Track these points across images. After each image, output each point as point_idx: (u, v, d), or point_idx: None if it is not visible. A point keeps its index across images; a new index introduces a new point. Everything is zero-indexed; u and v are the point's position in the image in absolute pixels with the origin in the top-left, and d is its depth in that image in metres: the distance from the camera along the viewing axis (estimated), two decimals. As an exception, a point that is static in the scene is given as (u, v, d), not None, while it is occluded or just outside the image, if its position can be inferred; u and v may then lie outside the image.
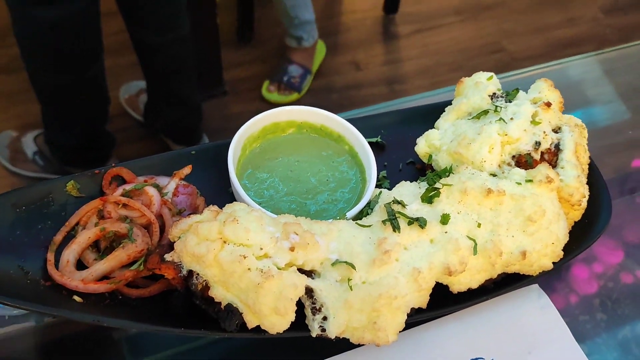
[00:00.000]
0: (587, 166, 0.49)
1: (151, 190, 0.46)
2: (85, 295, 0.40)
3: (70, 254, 0.42)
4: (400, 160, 0.56)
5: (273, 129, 0.53)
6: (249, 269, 0.36)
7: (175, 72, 1.33)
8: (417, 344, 0.42)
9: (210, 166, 0.51)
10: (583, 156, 0.48)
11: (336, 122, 0.53)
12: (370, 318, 0.36)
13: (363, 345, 0.42)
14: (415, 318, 0.41)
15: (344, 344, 0.40)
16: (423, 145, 0.52)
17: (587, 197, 0.46)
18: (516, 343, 0.43)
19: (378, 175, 0.51)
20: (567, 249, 0.45)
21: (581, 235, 0.48)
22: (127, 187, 0.46)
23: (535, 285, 0.47)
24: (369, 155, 0.51)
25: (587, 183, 0.47)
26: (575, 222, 0.48)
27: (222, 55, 1.60)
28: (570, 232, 0.46)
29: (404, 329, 0.42)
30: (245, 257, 0.36)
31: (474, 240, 0.40)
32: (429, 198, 0.43)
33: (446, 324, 0.44)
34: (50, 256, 0.41)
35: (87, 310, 0.39)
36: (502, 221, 0.41)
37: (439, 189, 0.43)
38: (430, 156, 0.51)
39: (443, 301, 0.43)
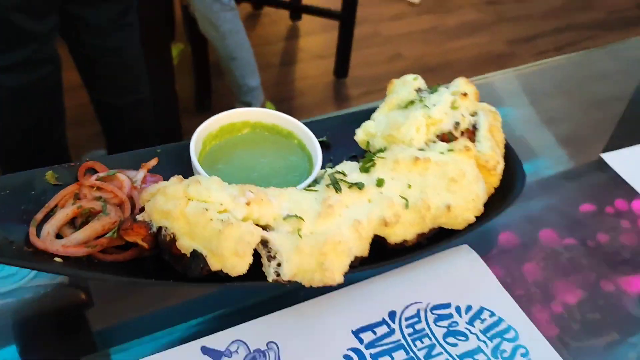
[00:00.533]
0: (503, 145, 0.57)
1: (122, 176, 0.51)
2: (64, 258, 0.45)
3: (50, 227, 0.46)
4: (344, 155, 0.63)
5: (230, 128, 0.60)
6: (211, 219, 0.41)
7: (136, 134, 1.39)
8: (363, 294, 0.48)
9: (174, 162, 0.57)
10: (497, 135, 0.56)
11: (286, 121, 0.61)
12: (318, 261, 0.42)
13: (315, 298, 0.47)
14: (360, 269, 0.46)
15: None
16: (361, 134, 0.60)
17: (501, 165, 0.54)
18: (449, 290, 0.49)
19: (324, 166, 0.58)
20: (488, 210, 0.52)
21: (501, 199, 0.55)
22: (101, 174, 0.51)
23: (465, 245, 0.53)
24: (315, 145, 0.58)
25: (505, 160, 0.55)
26: (495, 190, 0.55)
27: (182, 122, 1.68)
28: (492, 197, 0.53)
29: (351, 284, 0.48)
30: (207, 210, 0.42)
31: (406, 199, 0.47)
32: (365, 168, 0.50)
33: (388, 277, 0.49)
34: (32, 230, 0.46)
35: (67, 266, 0.43)
36: (429, 183, 0.47)
37: (374, 160, 0.50)
38: (368, 142, 0.59)
39: (384, 255, 0.49)
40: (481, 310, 0.47)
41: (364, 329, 0.45)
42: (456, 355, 0.43)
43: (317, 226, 0.43)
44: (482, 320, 0.46)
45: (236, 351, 0.43)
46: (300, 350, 0.43)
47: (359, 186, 0.47)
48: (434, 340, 0.44)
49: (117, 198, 0.49)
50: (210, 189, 0.43)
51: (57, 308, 0.50)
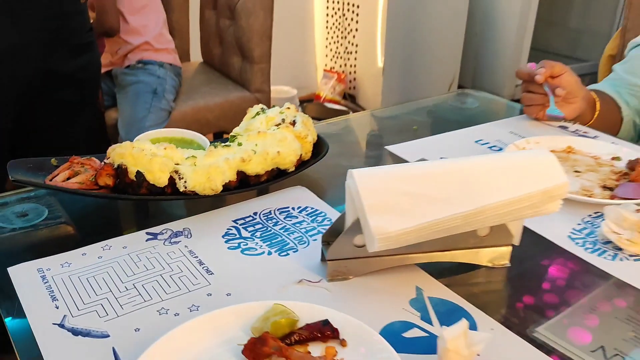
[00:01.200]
0: (313, 131, 0.89)
1: (96, 160, 0.84)
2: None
3: (54, 180, 0.78)
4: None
5: (154, 141, 0.96)
6: (146, 154, 0.76)
7: None
8: (240, 206, 0.82)
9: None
10: (308, 125, 0.88)
11: (192, 134, 0.97)
12: (206, 177, 0.76)
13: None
14: (232, 192, 0.80)
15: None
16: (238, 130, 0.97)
17: (311, 137, 0.85)
18: (290, 203, 0.84)
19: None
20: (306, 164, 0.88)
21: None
22: (82, 158, 0.84)
23: (300, 186, 0.89)
24: (207, 144, 0.94)
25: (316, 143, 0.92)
26: (310, 157, 0.90)
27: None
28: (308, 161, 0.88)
29: (231, 204, 0.82)
30: (143, 150, 0.76)
31: (254, 150, 0.82)
32: (232, 139, 0.85)
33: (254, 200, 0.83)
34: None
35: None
36: (267, 144, 0.83)
37: (237, 136, 0.86)
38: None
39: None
40: (306, 207, 0.82)
41: (239, 219, 0.79)
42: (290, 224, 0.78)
43: (205, 161, 0.79)
44: (308, 212, 0.81)
45: (163, 232, 0.76)
46: (203, 231, 0.76)
47: (228, 145, 0.82)
48: (279, 219, 0.79)
49: (93, 168, 0.82)
50: (144, 142, 0.78)
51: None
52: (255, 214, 0.81)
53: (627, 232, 0.72)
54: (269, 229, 0.77)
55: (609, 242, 0.75)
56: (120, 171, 0.76)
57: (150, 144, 0.78)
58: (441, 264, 0.71)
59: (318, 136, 0.92)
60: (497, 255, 0.70)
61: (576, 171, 0.92)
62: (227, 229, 0.77)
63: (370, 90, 3.38)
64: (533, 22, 3.64)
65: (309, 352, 0.56)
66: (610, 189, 0.86)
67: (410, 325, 0.61)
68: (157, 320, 0.61)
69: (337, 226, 0.68)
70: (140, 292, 0.65)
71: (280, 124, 0.88)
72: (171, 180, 0.77)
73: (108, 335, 0.59)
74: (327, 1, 3.43)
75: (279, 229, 0.77)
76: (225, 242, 0.74)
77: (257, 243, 0.74)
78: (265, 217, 0.80)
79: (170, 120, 2.07)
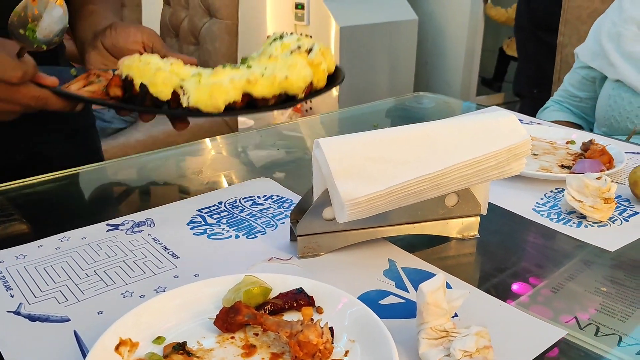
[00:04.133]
0: (331, 61, 0.81)
1: (110, 71, 0.79)
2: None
3: (67, 87, 0.74)
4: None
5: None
6: (151, 66, 0.72)
7: None
8: (206, 197, 0.80)
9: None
10: (326, 54, 0.81)
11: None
12: (209, 95, 0.70)
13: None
14: (239, 112, 0.74)
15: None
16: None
17: (325, 65, 0.79)
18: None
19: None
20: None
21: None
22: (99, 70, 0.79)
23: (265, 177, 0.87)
24: None
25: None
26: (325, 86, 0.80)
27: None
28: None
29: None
30: (149, 63, 0.73)
31: (263, 72, 0.74)
32: (243, 61, 0.81)
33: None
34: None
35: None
36: (276, 68, 0.75)
37: (249, 58, 0.81)
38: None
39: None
40: (272, 195, 0.81)
41: (204, 208, 0.77)
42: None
43: (209, 79, 0.74)
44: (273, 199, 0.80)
45: (124, 223, 0.73)
46: (167, 220, 0.74)
47: (237, 67, 0.77)
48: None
49: (107, 80, 0.77)
50: (152, 56, 0.75)
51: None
52: (220, 203, 0.79)
53: (589, 199, 0.73)
54: (235, 215, 0.75)
55: (572, 212, 0.76)
56: (127, 83, 0.73)
57: (157, 57, 0.75)
58: (411, 239, 0.70)
59: (336, 67, 0.84)
60: (466, 226, 0.70)
61: (534, 154, 0.94)
62: (192, 217, 0.75)
63: (326, 119, 3.41)
64: (479, 51, 3.79)
65: (284, 322, 0.54)
66: (568, 167, 0.89)
67: (386, 294, 0.60)
68: (121, 303, 0.58)
69: (305, 203, 0.67)
70: (102, 277, 0.62)
71: (294, 51, 0.81)
72: (176, 96, 0.73)
73: (69, 319, 0.55)
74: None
75: (246, 215, 0.75)
76: (190, 229, 0.72)
77: (223, 228, 0.72)
78: (231, 206, 0.78)
79: (141, 144, 2.04)
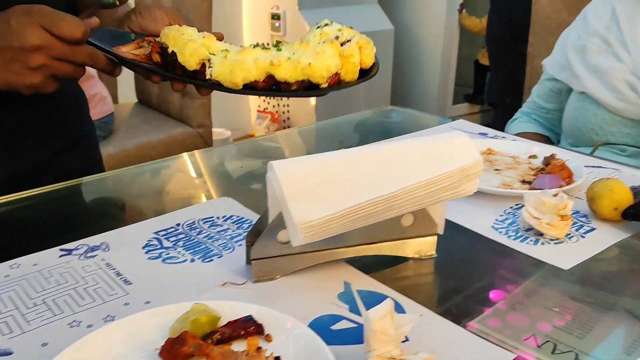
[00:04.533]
0: (369, 54, 0.79)
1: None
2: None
3: (119, 49, 0.77)
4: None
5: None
6: (184, 37, 0.73)
7: None
8: (164, 219, 0.79)
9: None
10: (364, 47, 0.79)
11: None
12: (231, 70, 0.71)
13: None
14: (260, 92, 0.75)
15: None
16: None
17: (356, 59, 0.76)
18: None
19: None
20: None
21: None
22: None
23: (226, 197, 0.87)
24: None
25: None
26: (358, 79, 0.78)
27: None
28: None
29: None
30: (183, 34, 0.73)
31: (290, 57, 0.74)
32: (276, 45, 0.79)
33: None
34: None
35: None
36: (304, 54, 0.74)
37: (281, 43, 0.79)
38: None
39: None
40: (232, 216, 0.80)
41: (161, 230, 0.76)
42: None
43: (235, 56, 0.73)
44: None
45: (78, 248, 0.71)
46: (122, 244, 0.72)
47: (265, 47, 0.77)
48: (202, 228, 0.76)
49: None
50: (188, 29, 0.76)
51: None
52: (178, 225, 0.78)
53: (546, 217, 0.74)
54: (192, 237, 0.74)
55: (530, 229, 0.76)
56: (163, 50, 0.76)
57: (194, 30, 0.78)
58: (369, 259, 0.70)
59: (374, 63, 0.82)
60: (423, 246, 0.70)
61: (496, 169, 0.94)
62: (148, 240, 0.74)
63: (304, 128, 3.41)
64: (455, 60, 3.82)
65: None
66: (529, 182, 0.89)
67: (338, 318, 0.59)
68: (68, 333, 0.57)
69: (261, 225, 0.66)
70: (50, 306, 0.61)
71: (330, 41, 0.78)
72: (204, 68, 0.75)
73: (11, 352, 0.54)
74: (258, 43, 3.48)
75: (203, 237, 0.74)
76: (146, 252, 0.71)
77: (179, 252, 0.71)
78: (189, 227, 0.77)
79: (113, 158, 2.02)
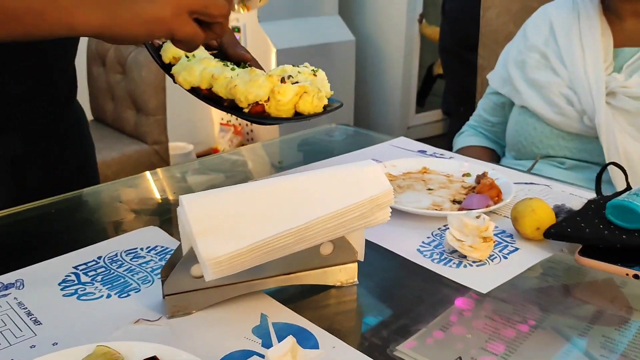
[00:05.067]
0: (308, 103, 0.83)
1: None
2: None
3: None
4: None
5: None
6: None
7: None
8: (86, 251, 0.77)
9: None
10: (309, 95, 0.83)
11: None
12: (184, 70, 0.84)
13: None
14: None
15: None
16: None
17: (287, 100, 0.82)
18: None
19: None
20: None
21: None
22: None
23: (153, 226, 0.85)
24: None
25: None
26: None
27: None
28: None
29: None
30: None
31: (233, 76, 0.85)
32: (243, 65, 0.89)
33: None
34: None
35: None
36: (241, 78, 0.82)
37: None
38: None
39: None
40: (156, 246, 0.79)
41: (81, 264, 0.74)
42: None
43: (193, 62, 0.85)
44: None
45: (-7, 286, 0.69)
46: (38, 281, 0.71)
47: (231, 66, 0.88)
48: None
49: None
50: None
51: None
52: (99, 258, 0.76)
53: (469, 239, 0.74)
54: (112, 271, 0.73)
55: (454, 251, 0.77)
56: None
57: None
58: (290, 289, 0.69)
59: (326, 108, 0.87)
60: (344, 274, 0.70)
61: (429, 189, 0.95)
62: (66, 275, 0.72)
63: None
64: (417, 69, 3.86)
65: (135, 394, 0.52)
66: (459, 202, 0.90)
67: (249, 354, 0.59)
68: (-33, 381, 0.55)
69: (175, 259, 0.65)
70: (-50, 353, 0.59)
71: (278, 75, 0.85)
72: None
73: None
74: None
75: (123, 271, 0.73)
76: (61, 289, 0.69)
77: (96, 287, 0.69)
78: (110, 261, 0.75)
79: None
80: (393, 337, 0.61)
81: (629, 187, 0.81)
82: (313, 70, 0.89)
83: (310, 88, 0.83)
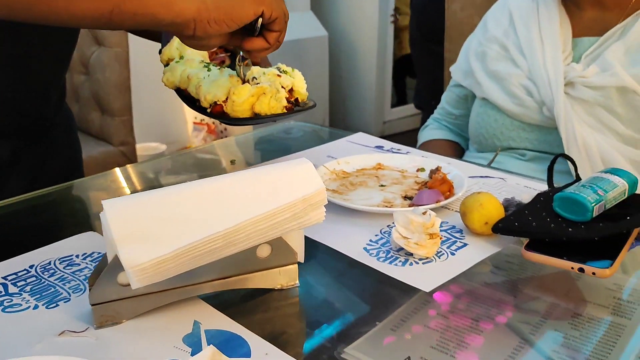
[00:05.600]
0: (264, 104, 0.85)
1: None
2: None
3: None
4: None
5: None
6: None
7: None
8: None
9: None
10: (266, 96, 0.85)
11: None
12: (168, 70, 0.91)
13: None
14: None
15: None
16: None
17: (241, 100, 0.85)
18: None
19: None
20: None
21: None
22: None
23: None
24: None
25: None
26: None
27: None
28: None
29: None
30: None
31: (204, 77, 0.89)
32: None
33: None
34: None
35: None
36: (208, 79, 0.86)
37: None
38: None
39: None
40: (92, 253, 0.76)
41: (11, 274, 0.71)
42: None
43: (178, 63, 0.91)
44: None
45: None
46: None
47: (207, 66, 0.91)
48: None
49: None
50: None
51: None
52: (31, 267, 0.73)
53: (415, 236, 0.72)
54: (43, 280, 0.70)
55: (401, 249, 0.75)
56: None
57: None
58: (229, 294, 0.67)
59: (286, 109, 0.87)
60: (284, 277, 0.68)
61: (382, 185, 0.93)
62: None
63: (242, 139, 3.37)
64: (391, 62, 3.85)
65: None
66: (411, 198, 0.88)
67: (177, 363, 0.56)
68: None
69: (102, 266, 0.62)
70: None
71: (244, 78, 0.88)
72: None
73: None
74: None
75: (55, 280, 0.70)
76: (-13, 302, 0.66)
77: (24, 298, 0.66)
78: (42, 269, 0.72)
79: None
80: (338, 340, 0.59)
81: (578, 179, 0.80)
82: (285, 71, 0.90)
83: (269, 89, 0.83)
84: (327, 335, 0.61)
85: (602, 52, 1.19)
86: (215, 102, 0.86)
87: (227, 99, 0.85)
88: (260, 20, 0.70)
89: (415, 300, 0.66)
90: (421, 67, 2.66)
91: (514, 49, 1.28)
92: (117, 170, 1.07)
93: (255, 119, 0.85)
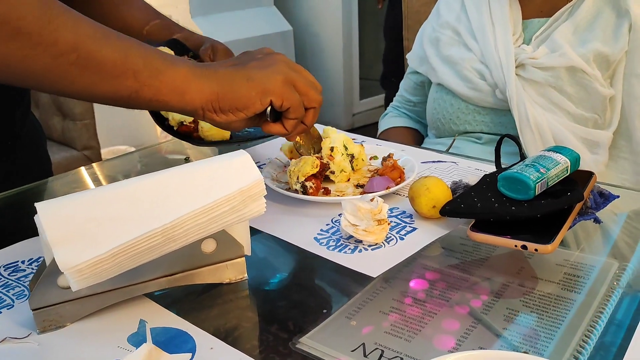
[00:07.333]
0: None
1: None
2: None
3: None
4: None
5: None
6: None
7: None
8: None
9: None
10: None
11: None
12: None
13: None
14: None
15: None
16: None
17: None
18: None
19: None
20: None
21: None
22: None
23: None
24: None
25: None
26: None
27: None
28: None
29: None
30: None
31: None
32: None
33: None
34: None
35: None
36: None
37: None
38: None
39: None
40: (39, 257, 0.74)
41: (-48, 285, 0.69)
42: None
43: None
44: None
45: None
46: None
47: None
48: (3, 280, 0.70)
49: None
50: None
51: None
52: (-23, 273, 0.71)
53: (363, 223, 0.72)
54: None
55: (351, 237, 0.75)
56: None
57: None
58: (177, 291, 0.66)
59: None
60: (232, 270, 0.67)
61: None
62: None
63: (211, 138, 3.35)
64: (357, 54, 3.85)
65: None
66: (362, 186, 0.88)
67: (120, 364, 0.55)
68: None
69: (41, 270, 0.61)
70: None
71: None
72: None
73: None
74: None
75: (-2, 287, 0.68)
76: None
77: (-35, 308, 0.65)
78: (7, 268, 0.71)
79: None
80: (293, 330, 0.59)
81: (523, 158, 0.81)
82: None
83: None
84: (281, 327, 0.60)
85: (551, 33, 1.21)
86: (182, 122, 0.89)
87: (195, 122, 0.89)
88: (268, 109, 0.70)
89: (370, 288, 0.66)
90: (389, 53, 2.68)
91: (466, 34, 1.29)
92: (73, 172, 1.05)
93: (225, 142, 0.90)
